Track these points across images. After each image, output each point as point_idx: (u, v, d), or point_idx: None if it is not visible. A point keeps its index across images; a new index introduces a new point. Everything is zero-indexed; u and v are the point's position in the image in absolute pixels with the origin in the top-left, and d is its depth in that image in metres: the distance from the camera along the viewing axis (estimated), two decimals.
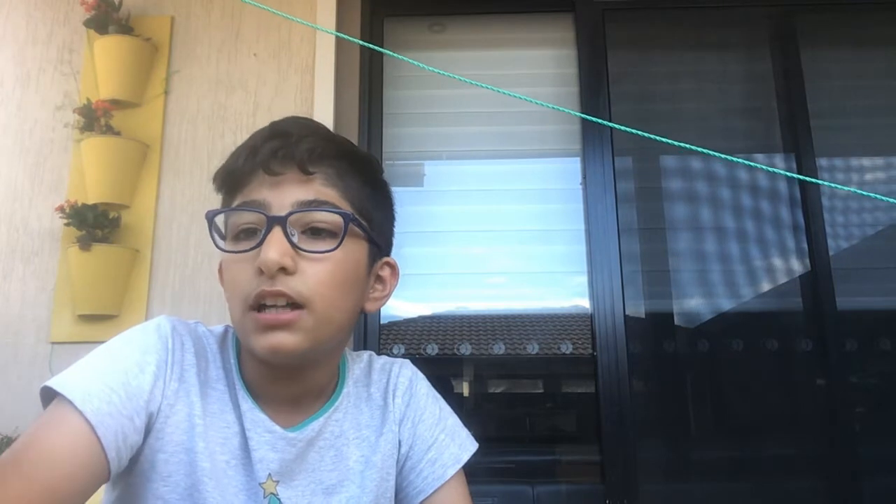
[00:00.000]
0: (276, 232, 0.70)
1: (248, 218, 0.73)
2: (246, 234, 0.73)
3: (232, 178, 0.75)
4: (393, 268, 0.83)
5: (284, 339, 0.70)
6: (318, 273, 0.72)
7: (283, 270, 0.69)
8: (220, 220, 0.76)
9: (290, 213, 0.71)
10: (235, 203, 0.74)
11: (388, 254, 0.83)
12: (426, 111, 2.45)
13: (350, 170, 0.77)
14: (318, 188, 0.73)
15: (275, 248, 0.69)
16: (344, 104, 2.22)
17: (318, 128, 0.78)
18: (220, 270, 0.81)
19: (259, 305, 0.70)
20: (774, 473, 2.15)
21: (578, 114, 2.22)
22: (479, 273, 2.35)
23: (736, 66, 2.49)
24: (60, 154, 2.17)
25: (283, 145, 0.72)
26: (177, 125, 2.19)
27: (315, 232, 0.73)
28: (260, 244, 0.70)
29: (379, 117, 2.34)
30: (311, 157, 0.73)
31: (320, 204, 0.72)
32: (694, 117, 2.47)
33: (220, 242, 0.74)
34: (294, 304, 0.70)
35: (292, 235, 0.71)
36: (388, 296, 0.83)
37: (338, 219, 0.73)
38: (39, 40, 2.27)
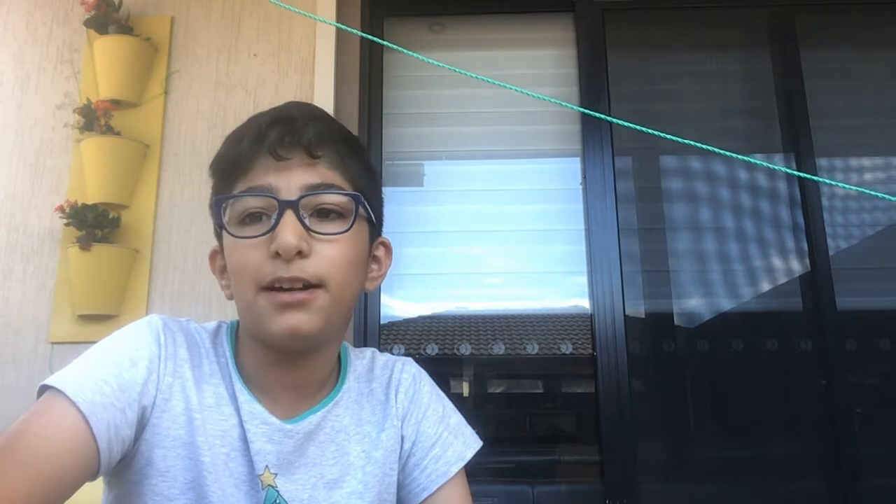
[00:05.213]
0: (290, 216, 0.71)
1: (254, 203, 0.73)
2: (252, 218, 0.73)
3: (234, 164, 0.75)
4: (387, 247, 0.85)
5: (302, 319, 0.71)
6: (332, 254, 0.73)
7: (299, 254, 0.70)
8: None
9: (302, 197, 0.72)
10: (237, 188, 0.74)
11: (381, 233, 0.84)
12: (426, 111, 2.45)
13: (349, 152, 0.78)
14: (323, 171, 0.74)
15: (291, 231, 0.70)
16: (344, 104, 2.21)
17: (319, 111, 0.80)
18: (213, 257, 0.82)
19: (273, 286, 0.71)
20: (774, 473, 2.15)
21: (578, 108, 2.22)
22: (479, 273, 2.35)
23: (736, 66, 2.49)
24: (60, 154, 2.17)
25: (290, 130, 0.73)
26: (177, 125, 2.19)
27: (323, 214, 0.74)
28: (273, 228, 0.71)
29: (379, 117, 2.34)
30: (318, 141, 0.74)
31: (328, 186, 0.74)
32: (694, 117, 2.47)
33: (231, 228, 0.74)
34: (309, 286, 0.71)
35: (304, 218, 0.72)
36: (384, 275, 0.85)
37: (345, 200, 0.75)
38: (39, 40, 2.27)
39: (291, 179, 0.72)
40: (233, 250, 0.74)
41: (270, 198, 0.72)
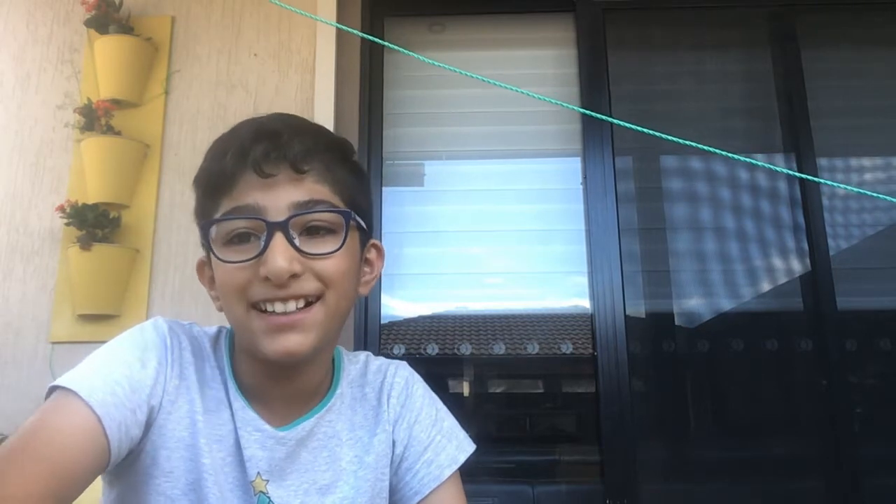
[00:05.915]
0: (279, 238, 0.69)
1: (241, 224, 0.71)
2: (240, 238, 0.72)
3: (218, 181, 0.73)
4: (379, 249, 0.84)
5: (296, 341, 0.70)
6: (326, 270, 0.72)
7: (293, 276, 0.69)
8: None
9: (291, 218, 0.70)
10: (223, 206, 0.72)
11: (372, 235, 0.83)
12: (426, 111, 2.45)
13: (336, 161, 0.76)
14: (311, 186, 0.72)
15: (282, 256, 0.68)
16: (344, 104, 2.21)
17: (303, 123, 0.78)
18: (200, 268, 0.81)
19: (265, 309, 0.70)
20: (774, 473, 2.15)
21: (579, 109, 2.22)
22: (479, 273, 2.35)
23: (736, 66, 2.49)
24: (60, 154, 2.17)
25: (275, 146, 0.71)
26: (177, 125, 2.19)
27: (313, 230, 0.72)
28: (263, 252, 0.69)
29: (379, 117, 2.34)
30: (304, 155, 0.72)
31: (316, 203, 0.72)
32: (694, 117, 2.47)
33: (219, 252, 0.72)
34: (306, 301, 0.71)
35: (293, 239, 0.70)
36: (376, 277, 0.84)
37: (336, 216, 0.73)
38: (39, 40, 2.27)
39: (278, 197, 0.70)
40: (220, 267, 0.73)
41: (259, 220, 0.70)
